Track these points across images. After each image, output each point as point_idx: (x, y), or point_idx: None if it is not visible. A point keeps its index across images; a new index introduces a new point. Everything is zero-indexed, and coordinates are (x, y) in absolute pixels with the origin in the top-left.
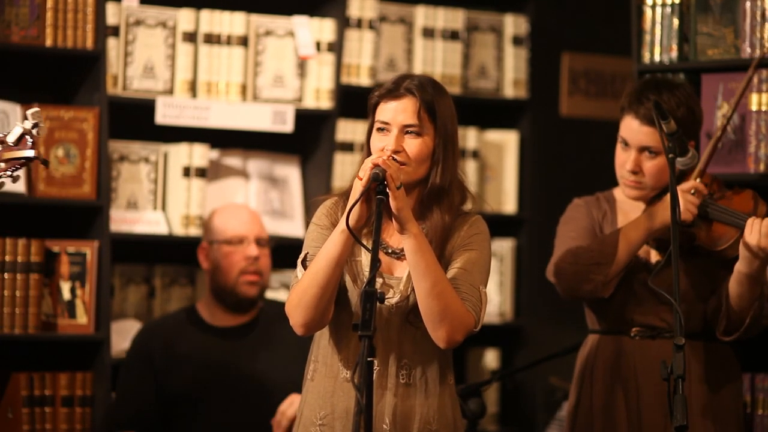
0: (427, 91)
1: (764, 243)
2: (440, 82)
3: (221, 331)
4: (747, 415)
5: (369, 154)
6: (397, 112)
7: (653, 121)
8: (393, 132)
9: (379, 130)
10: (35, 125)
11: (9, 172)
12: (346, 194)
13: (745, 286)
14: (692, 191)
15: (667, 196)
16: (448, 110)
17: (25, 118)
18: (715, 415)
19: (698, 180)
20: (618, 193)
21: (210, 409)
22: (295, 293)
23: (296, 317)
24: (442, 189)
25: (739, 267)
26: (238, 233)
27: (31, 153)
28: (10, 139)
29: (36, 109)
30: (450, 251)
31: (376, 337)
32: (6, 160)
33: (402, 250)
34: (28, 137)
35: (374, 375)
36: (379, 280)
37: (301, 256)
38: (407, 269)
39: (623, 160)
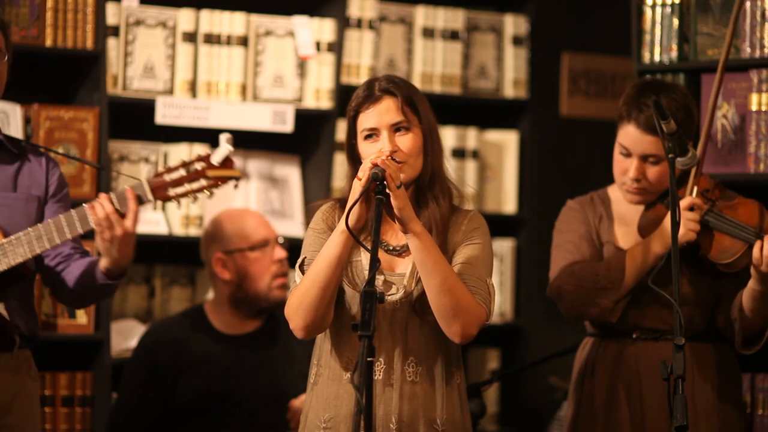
0: (401, 87)
1: None
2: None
3: (233, 339)
4: (747, 415)
5: (353, 166)
6: (381, 114)
7: (655, 128)
8: (383, 135)
9: (367, 137)
10: (231, 150)
11: (210, 190)
12: (341, 199)
13: (759, 302)
14: (690, 207)
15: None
16: (424, 101)
17: (227, 141)
18: (719, 417)
19: (695, 188)
20: (613, 192)
21: (218, 419)
22: (296, 296)
23: (297, 320)
24: (433, 177)
25: (753, 285)
26: (262, 237)
27: (237, 174)
28: (215, 159)
29: (229, 135)
30: (452, 247)
31: (381, 335)
32: (211, 178)
33: (402, 247)
34: (230, 159)
35: (380, 373)
36: (380, 278)
37: (299, 260)
38: (409, 265)
39: (624, 168)
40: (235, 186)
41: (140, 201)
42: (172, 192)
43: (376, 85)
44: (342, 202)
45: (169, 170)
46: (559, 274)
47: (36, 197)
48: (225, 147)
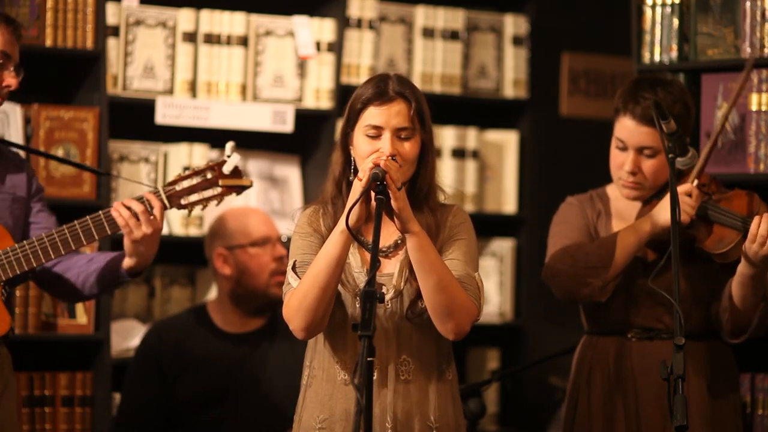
0: (414, 94)
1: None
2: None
3: (234, 337)
4: (747, 415)
5: (345, 155)
6: (390, 116)
7: (651, 120)
8: (386, 135)
9: (368, 133)
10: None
11: (221, 198)
12: (324, 201)
13: (748, 288)
14: (688, 194)
15: (665, 199)
16: (428, 111)
17: (232, 150)
18: (713, 416)
19: (696, 181)
20: (611, 190)
21: (219, 416)
22: (295, 298)
23: (297, 322)
24: (429, 188)
25: (742, 269)
26: (263, 234)
27: (250, 183)
28: (227, 169)
29: (233, 143)
30: (439, 244)
31: (374, 336)
32: (222, 186)
33: (388, 248)
34: (239, 168)
35: (375, 373)
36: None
37: (290, 263)
38: (396, 265)
39: (620, 162)
40: (238, 194)
41: (162, 205)
42: (185, 200)
43: (390, 84)
44: (325, 205)
45: (182, 178)
46: (553, 254)
47: (21, 198)
48: (234, 156)
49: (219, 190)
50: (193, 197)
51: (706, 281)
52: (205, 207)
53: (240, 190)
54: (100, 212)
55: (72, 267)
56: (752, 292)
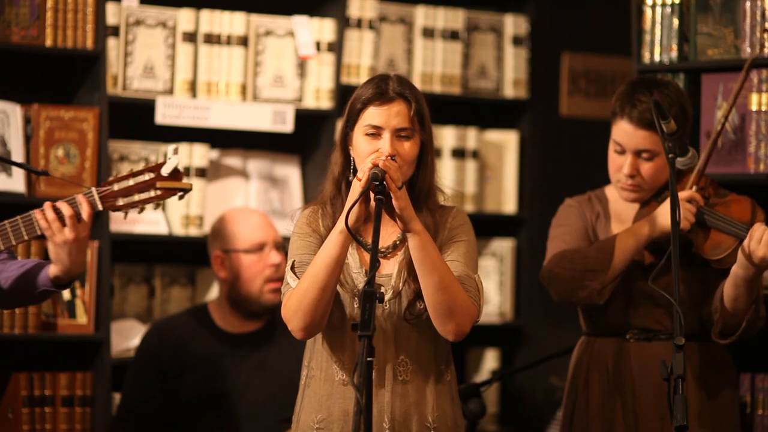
0: (414, 95)
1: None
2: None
3: (235, 337)
4: (747, 415)
5: (344, 155)
6: (390, 116)
7: (648, 124)
8: (386, 136)
9: (368, 133)
10: (179, 161)
11: (158, 201)
12: (323, 202)
13: (741, 289)
14: (688, 200)
15: (664, 203)
16: (428, 111)
17: (174, 152)
18: (711, 416)
19: (695, 186)
20: (610, 191)
21: (219, 416)
22: (294, 298)
23: (296, 322)
24: (429, 190)
25: (737, 270)
26: (258, 240)
27: (189, 186)
28: (165, 171)
29: (176, 146)
30: (438, 245)
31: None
32: (160, 189)
33: (387, 248)
34: (178, 170)
35: (373, 373)
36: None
37: (289, 263)
38: (395, 266)
39: (619, 165)
40: (180, 197)
41: (91, 208)
42: (120, 201)
43: (390, 84)
44: (323, 205)
45: (118, 179)
46: (551, 258)
47: None
48: (174, 158)
49: (158, 192)
50: (129, 199)
51: (702, 284)
52: (142, 210)
53: (181, 193)
54: (31, 212)
55: (3, 270)
56: (745, 294)
